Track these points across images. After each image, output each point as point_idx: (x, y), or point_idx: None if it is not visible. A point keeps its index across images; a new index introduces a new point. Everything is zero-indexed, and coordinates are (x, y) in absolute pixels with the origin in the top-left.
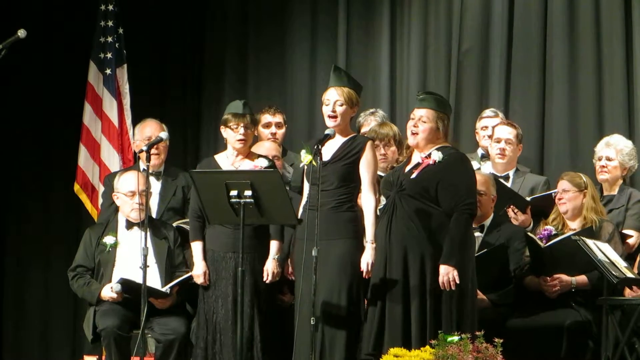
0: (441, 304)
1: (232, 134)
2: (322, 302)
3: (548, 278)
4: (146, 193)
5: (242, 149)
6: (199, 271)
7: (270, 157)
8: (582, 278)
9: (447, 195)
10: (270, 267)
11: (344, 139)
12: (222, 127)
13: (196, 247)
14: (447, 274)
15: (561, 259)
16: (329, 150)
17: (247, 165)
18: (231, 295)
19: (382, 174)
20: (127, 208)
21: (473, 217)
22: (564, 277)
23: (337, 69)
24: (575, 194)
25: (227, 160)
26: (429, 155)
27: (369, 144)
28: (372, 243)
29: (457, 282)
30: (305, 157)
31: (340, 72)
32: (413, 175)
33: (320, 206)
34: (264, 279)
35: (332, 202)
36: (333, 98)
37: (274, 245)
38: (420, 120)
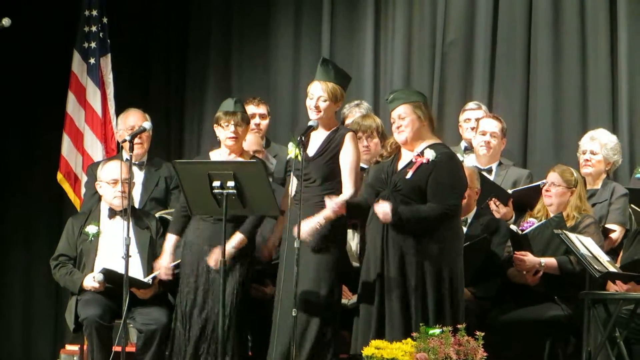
0: (443, 301)
1: (223, 132)
2: (302, 291)
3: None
4: (129, 182)
5: (233, 147)
6: (163, 263)
7: (252, 151)
8: (552, 261)
9: (433, 192)
10: (216, 255)
11: (327, 133)
12: (214, 125)
13: (170, 239)
14: (385, 209)
15: (538, 246)
16: (313, 145)
17: None
18: (201, 287)
19: (365, 166)
20: (110, 196)
21: (450, 217)
22: (531, 256)
23: (325, 62)
24: (563, 189)
25: (220, 158)
26: (422, 154)
27: (348, 135)
28: (320, 222)
29: (383, 215)
30: (292, 150)
31: (328, 66)
32: (408, 176)
33: (305, 200)
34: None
35: (316, 197)
36: (317, 93)
37: (237, 236)
38: (399, 118)
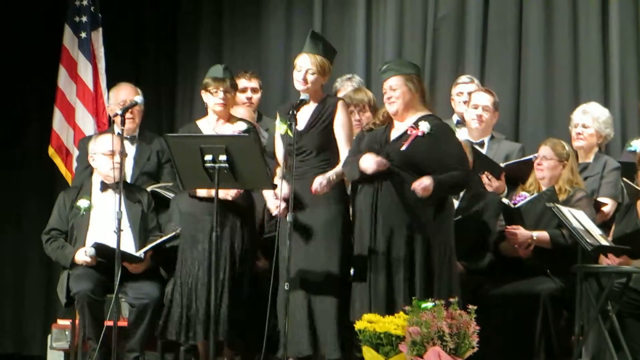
0: (433, 273)
1: (211, 98)
2: (310, 269)
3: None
4: (121, 156)
5: (221, 113)
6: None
7: None
8: (544, 235)
9: (446, 163)
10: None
11: (315, 104)
12: (202, 91)
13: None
14: (425, 183)
15: (530, 220)
16: (303, 118)
17: (227, 129)
18: (207, 260)
19: None
20: (107, 168)
21: (466, 182)
22: (523, 230)
23: (314, 35)
24: (555, 163)
25: (209, 125)
26: (417, 126)
27: (340, 103)
28: (331, 178)
29: (421, 192)
30: (281, 127)
31: (317, 39)
32: (403, 148)
33: (303, 174)
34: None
35: (314, 169)
36: (305, 66)
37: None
38: (391, 89)
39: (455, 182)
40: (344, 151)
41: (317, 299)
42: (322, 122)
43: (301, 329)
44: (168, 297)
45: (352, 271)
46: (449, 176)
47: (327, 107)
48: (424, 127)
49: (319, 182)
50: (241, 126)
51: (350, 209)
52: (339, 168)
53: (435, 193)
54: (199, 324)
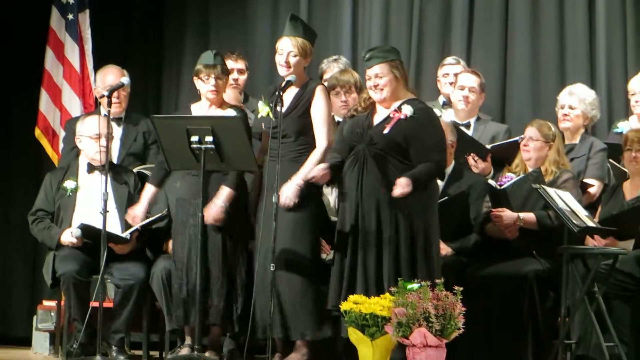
0: (416, 254)
1: (203, 85)
2: (281, 250)
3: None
4: (107, 137)
5: (214, 100)
6: (137, 212)
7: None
8: (530, 216)
9: (421, 151)
10: (211, 212)
11: (297, 89)
12: (194, 77)
13: (148, 189)
14: (404, 185)
15: (516, 201)
16: (285, 102)
17: (218, 114)
18: (196, 241)
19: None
20: (93, 150)
21: (440, 172)
22: (509, 211)
23: (293, 18)
24: (541, 144)
25: (201, 110)
26: (400, 110)
27: (318, 88)
28: (299, 184)
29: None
30: (263, 109)
31: (297, 22)
32: (385, 131)
33: (281, 157)
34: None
35: (292, 153)
36: (287, 49)
37: (224, 190)
38: (377, 77)
39: (429, 173)
40: (319, 136)
41: (289, 279)
42: (302, 107)
43: (274, 310)
44: (156, 279)
45: (330, 256)
46: (421, 171)
47: (307, 92)
48: (407, 110)
49: (285, 197)
50: (231, 113)
51: (336, 191)
52: (306, 169)
53: (414, 189)
54: (193, 307)
